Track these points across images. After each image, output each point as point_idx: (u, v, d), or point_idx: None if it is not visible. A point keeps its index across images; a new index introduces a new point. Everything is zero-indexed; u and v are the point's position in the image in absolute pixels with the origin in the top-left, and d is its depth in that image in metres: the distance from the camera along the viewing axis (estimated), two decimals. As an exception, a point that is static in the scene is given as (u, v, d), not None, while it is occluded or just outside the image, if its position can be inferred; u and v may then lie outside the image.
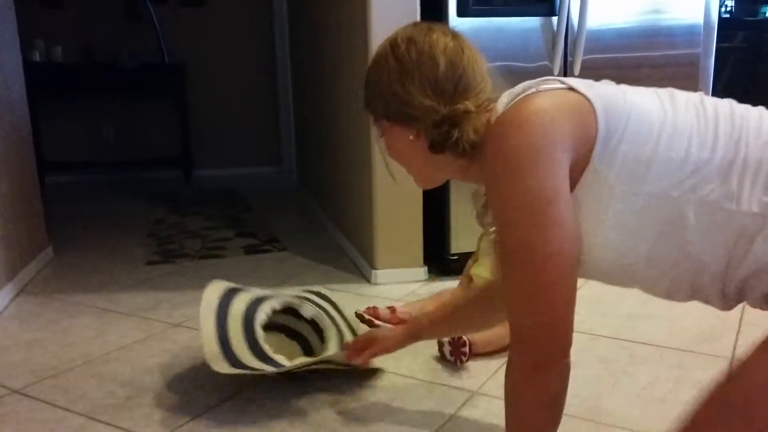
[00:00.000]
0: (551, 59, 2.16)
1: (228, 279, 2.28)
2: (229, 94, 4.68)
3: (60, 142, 4.43)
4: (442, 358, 1.60)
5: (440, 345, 1.60)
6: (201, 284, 2.24)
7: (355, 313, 1.73)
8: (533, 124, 0.83)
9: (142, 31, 4.41)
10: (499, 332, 1.63)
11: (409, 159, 1.02)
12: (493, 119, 0.91)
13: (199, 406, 1.41)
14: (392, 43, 0.97)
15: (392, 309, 1.77)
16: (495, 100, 0.95)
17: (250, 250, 2.69)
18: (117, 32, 4.41)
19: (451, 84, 0.94)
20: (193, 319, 1.92)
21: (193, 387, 1.50)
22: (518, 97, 0.88)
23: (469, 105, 0.93)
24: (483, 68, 0.98)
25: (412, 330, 1.37)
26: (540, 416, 0.90)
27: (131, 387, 1.51)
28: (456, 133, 0.92)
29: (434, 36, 0.95)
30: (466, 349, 1.55)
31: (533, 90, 0.88)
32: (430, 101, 0.93)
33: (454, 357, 1.57)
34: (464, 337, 1.55)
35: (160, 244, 2.83)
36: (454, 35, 0.97)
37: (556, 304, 0.84)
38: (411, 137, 0.97)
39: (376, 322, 1.72)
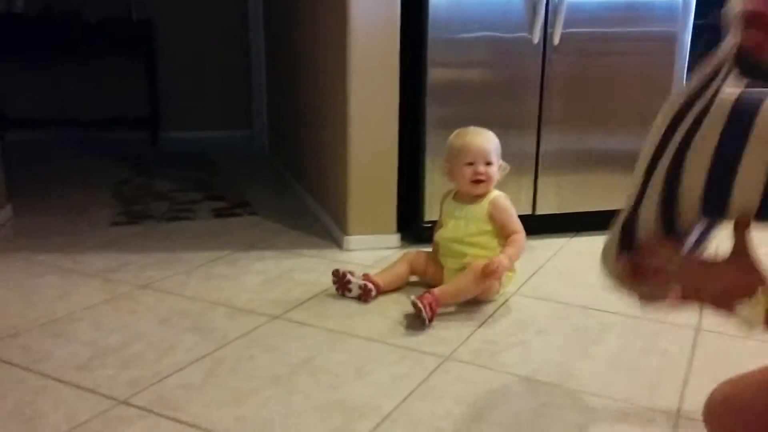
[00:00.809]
0: (531, 30, 2.14)
1: (195, 242, 2.26)
2: (199, 54, 4.54)
3: (21, 98, 4.26)
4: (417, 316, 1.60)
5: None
6: (168, 246, 2.21)
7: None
8: None
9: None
10: (460, 285, 1.65)
11: None
12: None
13: (166, 368, 1.38)
14: None
15: (366, 276, 1.77)
16: None
17: (219, 214, 2.64)
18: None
19: None
20: (160, 281, 1.88)
21: (161, 348, 1.46)
22: None
23: None
24: None
25: None
26: None
27: (96, 347, 1.47)
28: None
29: None
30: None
31: None
32: None
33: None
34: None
35: (125, 205, 2.75)
36: None
37: None
38: None
39: (349, 277, 1.75)
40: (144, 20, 4.27)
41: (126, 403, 1.25)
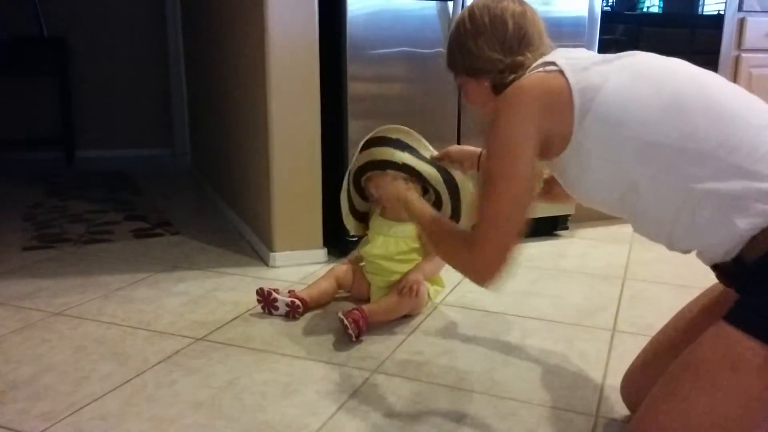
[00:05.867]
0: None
1: (114, 265, 2.18)
2: (115, 70, 4.40)
3: None
4: (343, 333, 1.59)
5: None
6: (84, 270, 2.12)
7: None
8: (517, 101, 1.07)
9: (17, 0, 4.06)
10: (390, 304, 1.66)
11: (482, 103, 1.23)
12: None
13: (82, 398, 1.32)
14: (470, 11, 1.19)
15: (292, 293, 1.76)
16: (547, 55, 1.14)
17: (139, 234, 2.56)
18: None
19: (516, 41, 1.16)
20: (75, 307, 1.80)
21: (75, 378, 1.40)
22: (532, 70, 1.11)
23: (528, 58, 1.15)
24: (542, 29, 1.19)
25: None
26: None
27: (5, 381, 1.39)
28: (511, 78, 1.14)
29: (504, 3, 1.17)
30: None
31: (536, 70, 1.09)
32: (497, 55, 1.16)
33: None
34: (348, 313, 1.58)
35: (38, 228, 2.63)
36: (521, 2, 1.19)
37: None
38: (482, 85, 1.20)
39: (274, 295, 1.73)
40: (56, 38, 4.11)
41: (38, 438, 1.19)
